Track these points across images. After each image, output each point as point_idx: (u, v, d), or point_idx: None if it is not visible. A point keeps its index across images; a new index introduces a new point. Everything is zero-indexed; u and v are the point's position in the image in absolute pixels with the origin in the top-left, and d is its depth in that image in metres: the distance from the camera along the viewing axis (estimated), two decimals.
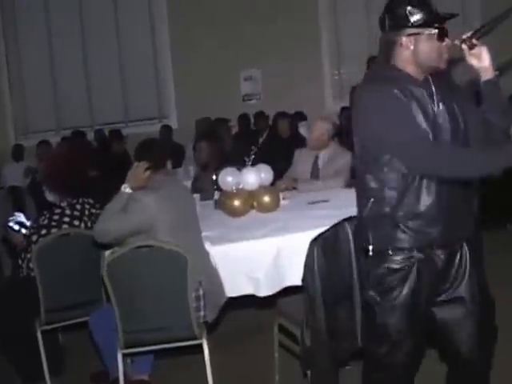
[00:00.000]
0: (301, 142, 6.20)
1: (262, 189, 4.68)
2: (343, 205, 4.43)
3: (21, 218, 4.34)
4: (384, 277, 2.67)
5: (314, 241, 3.23)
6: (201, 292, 3.60)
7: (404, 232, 2.61)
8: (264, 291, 3.83)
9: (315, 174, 5.51)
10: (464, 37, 2.60)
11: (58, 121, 11.84)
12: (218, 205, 4.83)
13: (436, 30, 2.56)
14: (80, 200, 4.35)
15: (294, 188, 5.35)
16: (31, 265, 4.05)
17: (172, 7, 11.34)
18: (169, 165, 3.91)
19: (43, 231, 4.20)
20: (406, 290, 2.65)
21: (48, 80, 11.79)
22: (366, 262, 2.76)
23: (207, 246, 3.88)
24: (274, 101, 10.30)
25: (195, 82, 10.98)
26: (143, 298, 3.51)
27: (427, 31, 2.57)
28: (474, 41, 2.57)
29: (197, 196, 5.29)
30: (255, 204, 4.65)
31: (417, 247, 2.62)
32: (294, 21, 10.84)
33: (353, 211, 4.00)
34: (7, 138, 11.53)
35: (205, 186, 5.61)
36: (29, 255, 4.14)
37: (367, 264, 2.75)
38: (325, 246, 3.23)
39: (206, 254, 3.81)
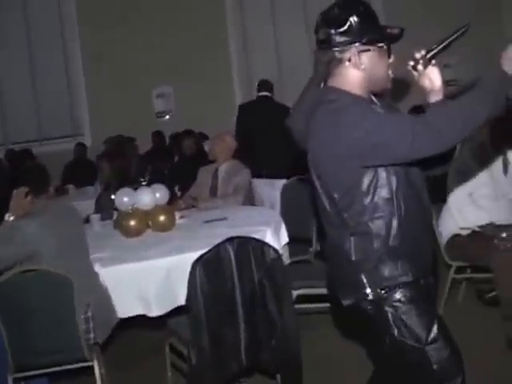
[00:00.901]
0: (205, 159, 6.26)
1: (158, 208, 4.71)
2: (239, 223, 4.59)
3: None
4: (401, 312, 2.34)
5: (197, 261, 3.31)
6: (89, 314, 3.60)
7: (402, 264, 2.33)
8: (155, 311, 3.86)
9: (214, 187, 5.58)
10: (418, 56, 2.39)
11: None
12: (116, 225, 4.85)
13: (386, 47, 2.37)
14: None
15: (194, 206, 5.41)
16: None
17: (83, 21, 11.26)
18: (51, 189, 3.90)
19: None
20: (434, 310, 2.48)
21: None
22: (366, 307, 2.38)
23: (97, 267, 3.90)
24: (186, 118, 10.35)
25: (109, 100, 10.94)
26: (31, 322, 3.50)
27: (378, 48, 2.35)
28: (429, 60, 2.37)
29: (97, 216, 5.30)
30: (151, 223, 4.68)
31: (421, 276, 2.40)
32: (203, 35, 10.94)
33: (249, 230, 4.15)
34: None
35: (106, 206, 5.60)
36: None
37: (370, 309, 2.37)
38: (207, 266, 3.31)
39: (95, 276, 3.82)
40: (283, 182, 6.05)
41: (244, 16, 11.38)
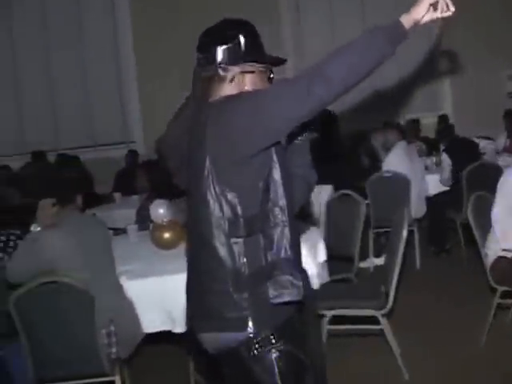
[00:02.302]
0: None
1: None
2: None
3: None
4: None
5: None
6: (112, 328, 3.54)
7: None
8: (179, 327, 3.77)
9: None
10: None
11: (20, 143, 11.74)
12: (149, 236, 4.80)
13: (269, 72, 2.31)
14: (4, 231, 4.29)
15: None
16: None
17: (136, 26, 11.36)
18: (79, 199, 3.85)
19: None
20: None
21: (12, 103, 11.75)
22: None
23: (123, 280, 3.85)
24: None
25: (162, 106, 10.92)
26: (51, 334, 3.47)
27: (260, 71, 2.27)
28: None
29: (134, 226, 5.28)
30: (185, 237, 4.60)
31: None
32: None
33: None
34: None
35: (145, 216, 5.56)
36: None
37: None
38: None
39: (120, 290, 3.76)
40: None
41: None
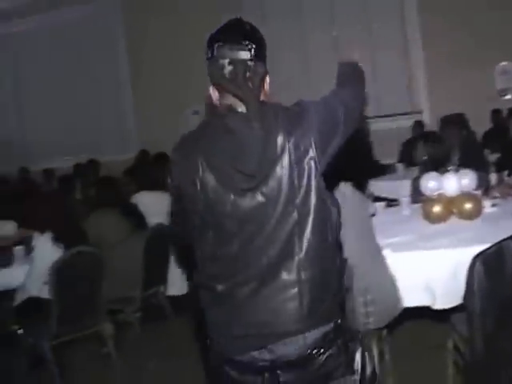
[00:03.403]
0: None
1: (463, 195, 4.47)
2: None
3: None
4: None
5: (476, 257, 3.07)
6: (368, 297, 3.58)
7: None
8: (439, 304, 3.69)
9: None
10: None
11: None
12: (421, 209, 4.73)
13: None
14: None
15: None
16: None
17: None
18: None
19: None
20: None
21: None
22: None
23: (387, 252, 3.84)
24: None
25: (449, 75, 10.62)
26: None
27: None
28: None
29: (407, 199, 5.24)
30: (455, 211, 4.47)
31: None
32: None
33: None
34: None
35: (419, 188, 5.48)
36: None
37: None
38: (487, 263, 3.05)
39: (379, 260, 3.76)
40: None
41: None
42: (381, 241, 3.91)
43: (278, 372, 1.99)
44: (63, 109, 13.96)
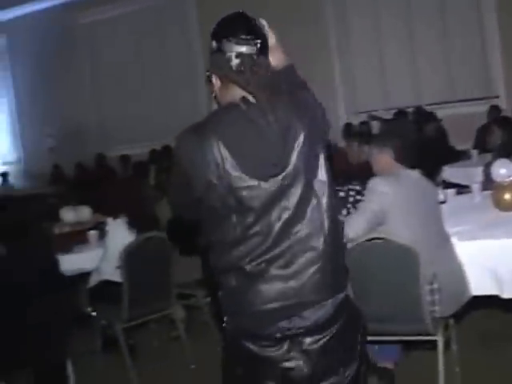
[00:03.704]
0: None
1: None
2: None
3: None
4: None
5: None
6: (435, 286, 3.54)
7: None
8: (507, 293, 3.63)
9: None
10: None
11: (384, 100, 11.96)
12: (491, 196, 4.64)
13: None
14: (345, 187, 4.50)
15: None
16: None
17: None
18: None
19: None
20: None
21: (376, 59, 12.04)
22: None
23: (454, 240, 3.80)
24: None
25: None
26: (374, 289, 3.58)
27: None
28: None
29: (477, 185, 5.15)
30: None
31: None
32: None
33: None
34: (338, 117, 12.02)
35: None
36: None
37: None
38: None
39: (447, 248, 3.72)
40: None
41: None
42: (449, 228, 3.87)
43: (301, 339, 2.11)
44: (139, 95, 14.24)
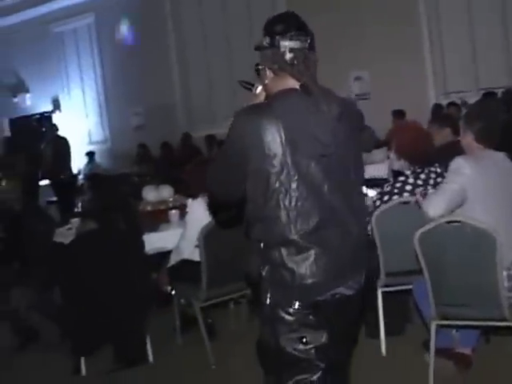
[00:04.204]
0: None
1: None
2: None
3: None
4: None
5: None
6: None
7: None
8: None
9: None
10: None
11: (475, 80, 11.63)
12: None
13: None
14: (426, 169, 4.41)
15: None
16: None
17: None
18: None
19: (385, 197, 4.40)
20: None
21: (466, 40, 11.69)
22: None
23: None
24: None
25: None
26: (451, 272, 3.53)
27: None
28: None
29: None
30: None
31: None
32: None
33: None
34: (427, 97, 11.76)
35: None
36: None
37: None
38: None
39: None
40: None
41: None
42: None
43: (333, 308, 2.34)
44: (225, 74, 14.16)
